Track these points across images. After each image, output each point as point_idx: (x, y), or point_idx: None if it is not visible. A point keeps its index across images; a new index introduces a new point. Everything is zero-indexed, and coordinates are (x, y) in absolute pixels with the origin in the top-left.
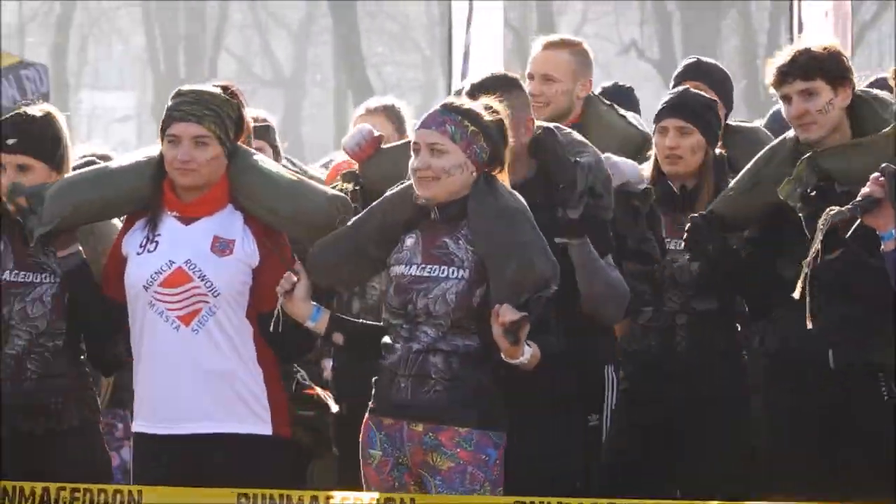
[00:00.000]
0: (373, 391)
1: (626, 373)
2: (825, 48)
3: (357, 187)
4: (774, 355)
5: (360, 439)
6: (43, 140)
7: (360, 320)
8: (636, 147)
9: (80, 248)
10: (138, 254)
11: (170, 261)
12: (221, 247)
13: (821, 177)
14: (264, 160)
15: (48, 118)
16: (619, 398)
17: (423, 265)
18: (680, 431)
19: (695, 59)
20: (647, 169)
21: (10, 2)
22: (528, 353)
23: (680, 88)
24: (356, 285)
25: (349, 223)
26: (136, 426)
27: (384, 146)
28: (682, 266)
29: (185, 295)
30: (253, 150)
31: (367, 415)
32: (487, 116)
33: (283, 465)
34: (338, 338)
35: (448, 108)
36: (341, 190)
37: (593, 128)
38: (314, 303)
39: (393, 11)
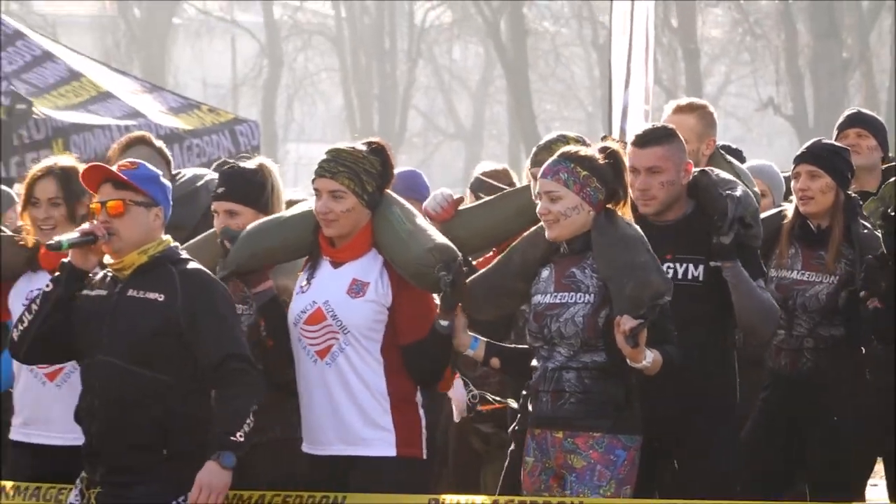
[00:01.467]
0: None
1: (764, 386)
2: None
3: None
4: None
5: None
6: (249, 188)
7: (512, 345)
8: None
9: (272, 283)
10: (297, 294)
11: (313, 301)
12: (356, 289)
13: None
14: (402, 209)
15: (256, 169)
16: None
17: (556, 293)
18: (802, 439)
19: (856, 110)
20: (790, 210)
21: (227, 66)
22: (649, 358)
23: (814, 139)
24: (507, 314)
25: (496, 261)
26: (304, 446)
27: (461, 207)
28: (812, 295)
29: (321, 332)
30: (395, 199)
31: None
32: (601, 160)
33: (409, 482)
34: (494, 362)
35: (563, 157)
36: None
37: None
38: (472, 333)
39: (561, 74)
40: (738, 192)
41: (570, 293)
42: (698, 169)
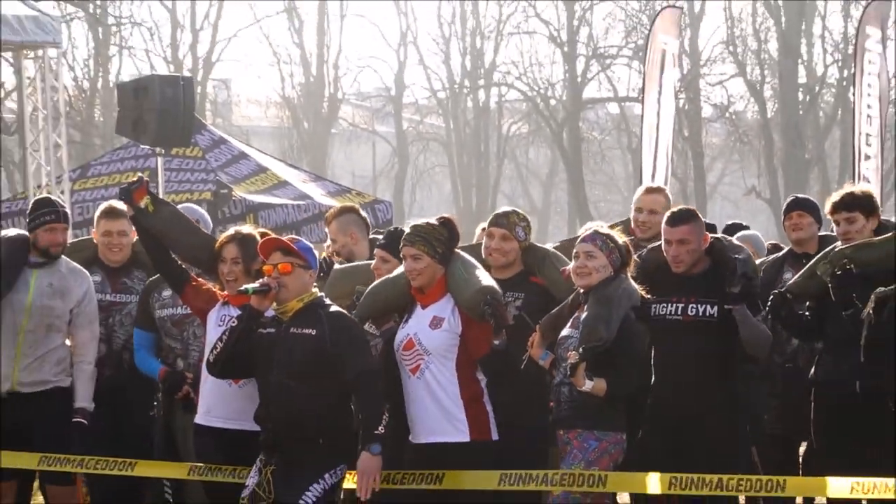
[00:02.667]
0: None
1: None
2: (862, 191)
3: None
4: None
5: None
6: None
7: None
8: None
9: (393, 323)
10: (399, 329)
11: (407, 334)
12: (435, 323)
13: (843, 263)
14: (463, 263)
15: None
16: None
17: (569, 328)
18: None
19: (793, 197)
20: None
21: (369, 163)
22: (588, 385)
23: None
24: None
25: (560, 307)
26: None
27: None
28: None
29: (412, 355)
30: (459, 256)
31: None
32: (619, 240)
33: (481, 460)
34: (554, 372)
35: (597, 233)
36: None
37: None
38: (547, 350)
39: (605, 169)
40: (743, 255)
41: (573, 329)
42: (714, 236)
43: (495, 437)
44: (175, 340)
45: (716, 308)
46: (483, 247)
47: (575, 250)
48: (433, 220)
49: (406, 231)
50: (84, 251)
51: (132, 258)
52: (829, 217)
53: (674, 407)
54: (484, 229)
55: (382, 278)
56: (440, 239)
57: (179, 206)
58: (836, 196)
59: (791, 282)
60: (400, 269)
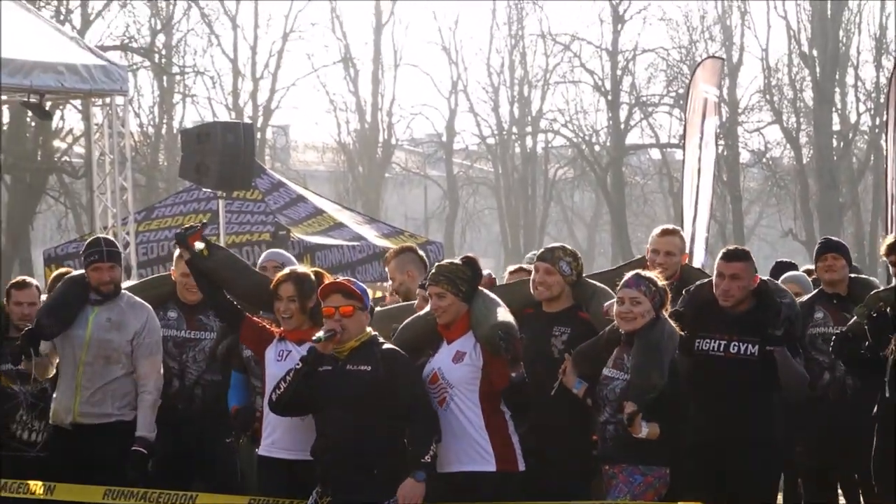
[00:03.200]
0: None
1: None
2: None
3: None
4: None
5: None
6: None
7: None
8: None
9: (426, 360)
10: (427, 362)
11: (432, 368)
12: (458, 358)
13: (880, 306)
14: (484, 300)
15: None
16: None
17: (611, 368)
18: None
19: (825, 239)
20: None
21: (420, 206)
22: (645, 431)
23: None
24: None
25: (591, 341)
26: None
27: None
28: None
29: (438, 388)
30: (481, 293)
31: None
32: (660, 283)
33: (506, 490)
34: (588, 401)
35: (640, 277)
36: None
37: (687, 280)
38: (580, 379)
39: (647, 212)
40: (788, 300)
41: (617, 370)
42: (762, 278)
43: (522, 467)
44: (174, 361)
45: (757, 347)
46: (531, 281)
47: (619, 295)
48: (457, 260)
49: (431, 271)
50: (161, 287)
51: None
52: (884, 258)
53: (712, 438)
54: (511, 272)
55: (414, 315)
56: (463, 278)
57: (267, 253)
58: (890, 238)
59: (850, 322)
60: (428, 307)
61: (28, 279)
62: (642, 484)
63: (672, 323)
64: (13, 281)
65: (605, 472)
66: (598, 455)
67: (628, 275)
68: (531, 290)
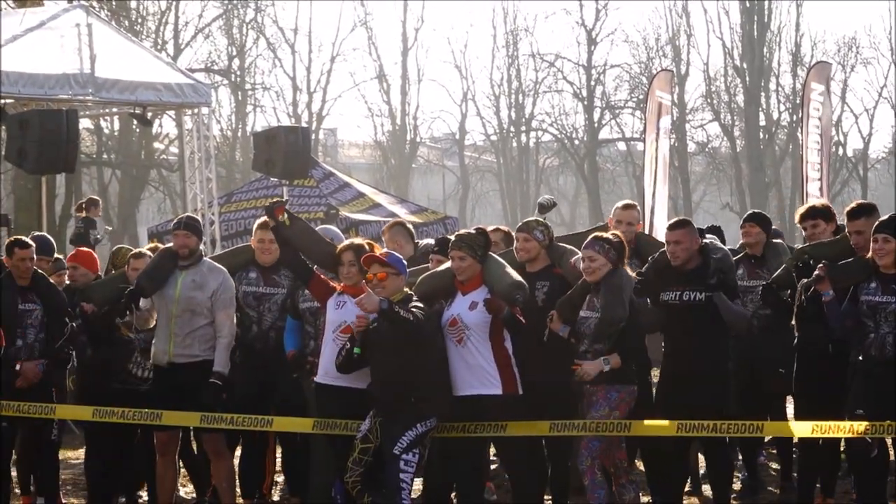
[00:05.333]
0: None
1: None
2: (822, 204)
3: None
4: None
5: None
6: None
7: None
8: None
9: (442, 308)
10: (445, 311)
11: (451, 314)
12: (473, 307)
13: (805, 258)
14: (495, 262)
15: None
16: None
17: (585, 310)
18: None
19: (750, 211)
20: None
21: (439, 189)
22: (608, 366)
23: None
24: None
25: (571, 291)
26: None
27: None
28: None
29: (456, 330)
30: (491, 257)
31: None
32: (614, 241)
33: (511, 408)
34: (572, 340)
35: (596, 239)
36: None
37: (641, 243)
38: (564, 324)
39: (616, 191)
40: (719, 255)
41: (590, 311)
42: (705, 241)
43: (520, 391)
44: (253, 311)
45: (703, 294)
46: (514, 248)
47: (581, 255)
48: (471, 230)
49: (453, 239)
50: (242, 255)
51: (280, 259)
52: (798, 225)
53: (674, 367)
54: (491, 231)
55: (430, 271)
56: (479, 244)
57: (319, 227)
58: (801, 209)
59: (774, 275)
60: (444, 266)
61: (143, 250)
62: (617, 399)
63: (628, 271)
64: (132, 252)
65: (586, 391)
66: (580, 380)
67: (588, 238)
68: (516, 256)
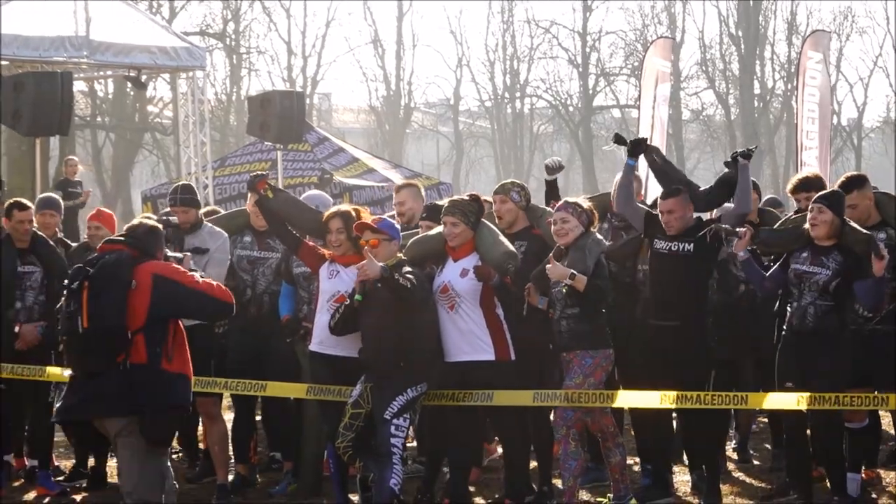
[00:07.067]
0: None
1: None
2: (813, 174)
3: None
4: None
5: None
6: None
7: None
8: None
9: (433, 271)
10: (436, 276)
11: (442, 281)
12: (464, 273)
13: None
14: (488, 230)
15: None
16: None
17: None
18: None
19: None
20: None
21: (433, 155)
22: (572, 280)
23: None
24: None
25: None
26: (444, 359)
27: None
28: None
29: (448, 297)
30: (484, 224)
31: None
32: (586, 206)
33: (503, 373)
34: (551, 312)
35: (567, 202)
36: None
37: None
38: (542, 296)
39: (610, 156)
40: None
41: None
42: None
43: (513, 357)
44: (247, 274)
45: (692, 245)
46: (494, 210)
47: (553, 217)
48: (465, 196)
49: (446, 205)
50: (238, 219)
51: (269, 231)
52: (789, 195)
53: (657, 313)
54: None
55: (421, 234)
56: (472, 210)
57: (306, 195)
58: (794, 180)
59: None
60: (434, 230)
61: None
62: (592, 365)
63: (597, 235)
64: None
65: (562, 358)
66: (554, 347)
67: (561, 201)
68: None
